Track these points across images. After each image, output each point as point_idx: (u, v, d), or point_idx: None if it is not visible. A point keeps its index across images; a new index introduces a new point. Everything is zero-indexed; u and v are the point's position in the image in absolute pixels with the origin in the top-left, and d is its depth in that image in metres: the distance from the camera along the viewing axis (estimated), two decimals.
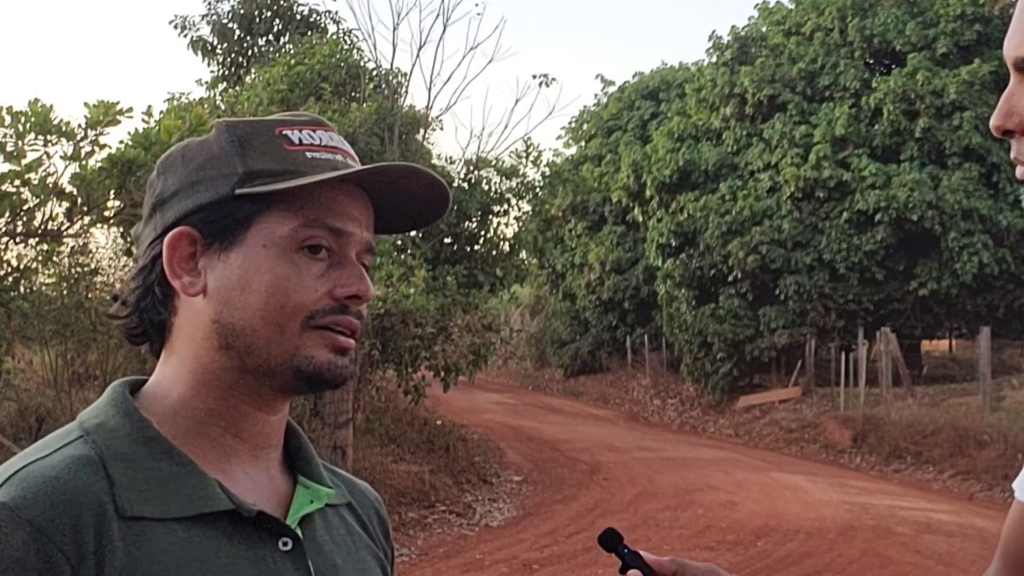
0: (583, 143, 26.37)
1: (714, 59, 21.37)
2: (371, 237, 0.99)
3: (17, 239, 6.21)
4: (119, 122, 5.81)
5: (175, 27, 18.34)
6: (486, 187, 14.39)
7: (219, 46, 18.20)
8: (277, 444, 1.02)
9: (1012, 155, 0.95)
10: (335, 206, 0.96)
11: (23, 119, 5.58)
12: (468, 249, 14.23)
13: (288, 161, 0.95)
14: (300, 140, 0.97)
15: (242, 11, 17.93)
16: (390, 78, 14.39)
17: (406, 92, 14.55)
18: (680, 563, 1.07)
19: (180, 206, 0.96)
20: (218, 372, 0.95)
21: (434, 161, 14.41)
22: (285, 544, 0.94)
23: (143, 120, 6.63)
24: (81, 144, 5.74)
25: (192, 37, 18.26)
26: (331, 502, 1.03)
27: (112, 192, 5.88)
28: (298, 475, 1.02)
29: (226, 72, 17.92)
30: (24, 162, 5.66)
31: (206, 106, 11.51)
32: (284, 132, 0.97)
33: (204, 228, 0.95)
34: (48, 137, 5.66)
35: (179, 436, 0.94)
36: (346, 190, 0.97)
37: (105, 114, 5.68)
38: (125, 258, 9.23)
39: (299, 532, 0.96)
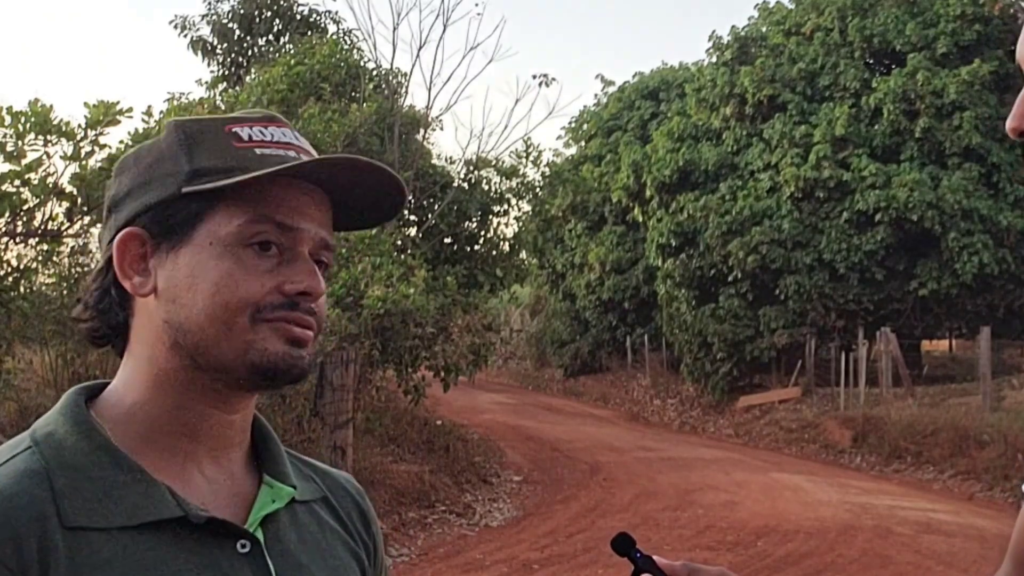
0: (583, 143, 26.37)
1: (714, 59, 21.37)
2: (327, 234, 0.98)
3: (17, 239, 6.21)
4: (119, 122, 5.82)
5: (175, 27, 18.35)
6: (486, 187, 14.39)
7: (219, 46, 18.20)
8: (240, 443, 1.01)
9: None
10: (285, 202, 0.94)
11: (23, 119, 5.58)
12: (468, 249, 14.23)
13: (235, 158, 0.94)
14: (250, 137, 0.96)
15: (242, 11, 17.93)
16: (390, 78, 14.40)
17: (406, 92, 14.56)
18: (692, 567, 1.06)
19: (131, 207, 0.96)
20: (172, 372, 0.94)
21: (434, 161, 14.41)
22: (243, 547, 0.93)
23: (143, 120, 6.65)
24: (81, 144, 5.74)
25: (192, 37, 18.27)
26: (302, 498, 1.02)
27: None
28: (263, 474, 1.01)
29: (226, 72, 17.92)
30: (24, 162, 5.67)
31: (206, 106, 11.51)
32: (234, 129, 0.96)
33: (153, 228, 0.94)
34: (48, 137, 5.67)
35: (131, 442, 0.93)
36: (298, 186, 0.95)
37: (105, 114, 5.68)
38: None
39: (261, 532, 0.95)
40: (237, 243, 0.93)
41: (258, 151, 0.95)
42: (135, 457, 0.92)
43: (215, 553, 0.91)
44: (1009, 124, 0.94)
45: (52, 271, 9.01)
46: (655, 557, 1.07)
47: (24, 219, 5.90)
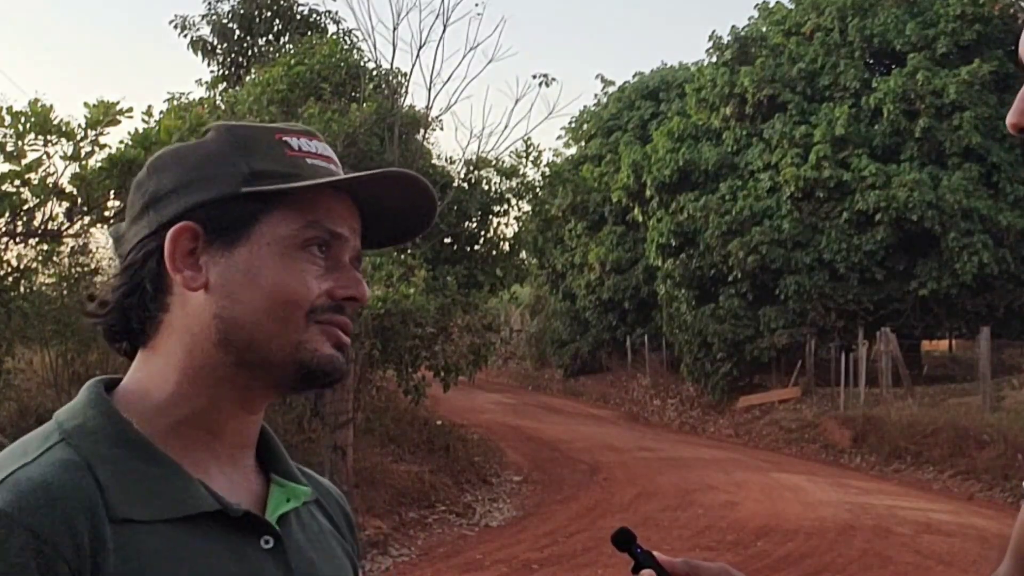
0: (583, 143, 26.35)
1: (714, 59, 21.36)
2: (359, 245, 1.02)
3: (17, 239, 6.22)
4: (119, 122, 5.82)
5: (175, 27, 18.32)
6: (486, 187, 14.39)
7: (219, 46, 18.18)
8: (253, 443, 1.03)
9: None
10: (333, 211, 0.99)
11: (23, 119, 5.58)
12: (468, 249, 14.23)
13: (290, 165, 0.98)
14: (299, 147, 1.00)
15: (242, 11, 17.91)
16: (390, 78, 14.39)
17: (406, 92, 14.54)
18: (692, 564, 1.07)
19: (180, 203, 0.97)
20: (211, 368, 0.95)
21: (434, 161, 14.40)
22: (267, 542, 0.95)
23: (143, 120, 6.64)
24: (81, 144, 5.75)
25: (192, 37, 18.24)
26: (304, 499, 1.04)
27: (112, 192, 5.89)
28: (271, 474, 1.03)
29: (226, 72, 17.90)
30: (24, 162, 5.67)
31: (206, 106, 11.51)
32: (283, 138, 1.00)
33: (207, 224, 0.96)
34: (48, 137, 5.67)
35: (159, 436, 0.94)
36: (341, 198, 1.00)
37: (105, 114, 5.68)
38: None
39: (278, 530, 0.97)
40: (294, 245, 0.96)
41: (308, 161, 0.99)
42: (163, 450, 0.93)
43: (243, 548, 0.93)
44: (1009, 120, 0.94)
45: (52, 271, 9.02)
46: (655, 553, 1.07)
47: (24, 219, 5.91)
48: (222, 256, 0.96)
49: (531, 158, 14.81)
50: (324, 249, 0.98)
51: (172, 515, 0.89)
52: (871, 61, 19.59)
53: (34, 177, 5.75)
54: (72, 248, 9.06)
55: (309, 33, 16.66)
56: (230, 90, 15.33)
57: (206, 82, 16.71)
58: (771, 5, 21.49)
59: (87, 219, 6.08)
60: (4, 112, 5.57)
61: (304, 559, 0.98)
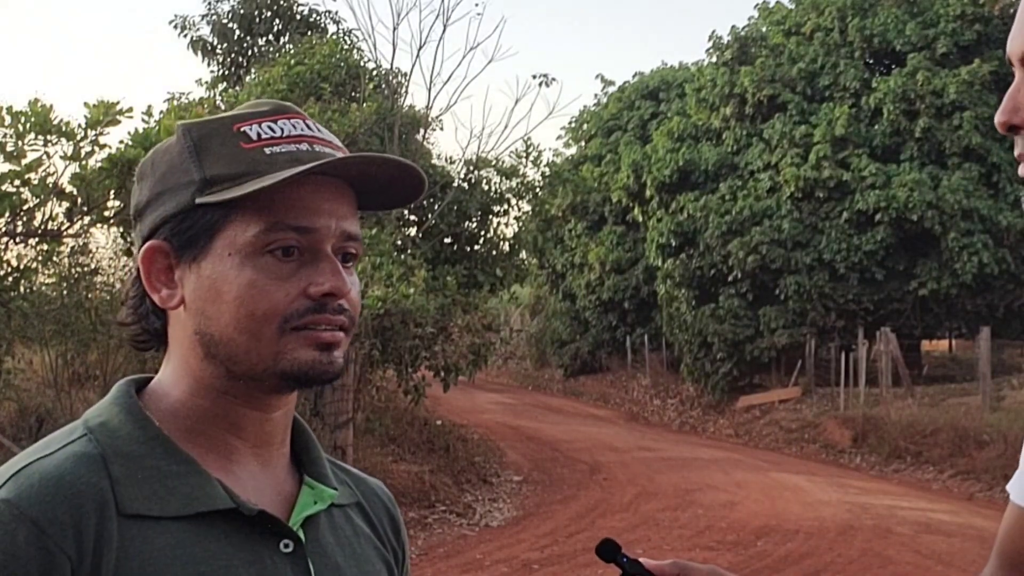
0: (583, 143, 26.36)
1: (714, 59, 21.37)
2: (350, 224, 0.95)
3: (17, 239, 6.21)
4: (119, 122, 5.81)
5: (175, 27, 18.34)
6: (486, 187, 14.38)
7: (219, 46, 18.20)
8: (282, 442, 1.01)
9: (1016, 151, 0.95)
10: (299, 202, 0.92)
11: (23, 119, 5.58)
12: (468, 249, 14.22)
13: (245, 162, 0.92)
14: (259, 135, 0.94)
15: (242, 11, 17.93)
16: (390, 78, 14.39)
17: (406, 92, 14.56)
18: (682, 565, 1.06)
19: (151, 218, 0.96)
20: (208, 379, 0.95)
21: (434, 161, 14.40)
22: (286, 546, 0.93)
23: (143, 120, 6.63)
24: (81, 144, 5.74)
25: (192, 37, 18.27)
26: (338, 502, 1.02)
27: (112, 192, 5.89)
28: (304, 475, 1.01)
29: (226, 72, 17.92)
30: (24, 162, 5.66)
31: (206, 106, 11.50)
32: (242, 128, 0.94)
33: (174, 239, 0.94)
34: (48, 137, 5.66)
35: (181, 435, 0.94)
36: (311, 182, 0.93)
37: (105, 114, 5.68)
38: (125, 258, 9.24)
39: (302, 533, 0.96)
40: (256, 251, 0.92)
41: (267, 150, 0.93)
42: (185, 449, 0.93)
43: (259, 550, 0.92)
44: (998, 118, 0.95)
45: (52, 271, 9.02)
46: (642, 560, 1.06)
47: (24, 219, 5.90)
48: (191, 271, 0.93)
49: (531, 158, 14.80)
50: (293, 247, 0.92)
51: (184, 512, 0.89)
52: (871, 61, 19.60)
53: (34, 177, 5.75)
54: (72, 248, 9.06)
55: (309, 33, 16.67)
56: (230, 90, 15.33)
57: (206, 82, 16.70)
58: (771, 5, 21.50)
59: (87, 219, 6.08)
60: (4, 112, 5.56)
61: (328, 564, 0.96)
